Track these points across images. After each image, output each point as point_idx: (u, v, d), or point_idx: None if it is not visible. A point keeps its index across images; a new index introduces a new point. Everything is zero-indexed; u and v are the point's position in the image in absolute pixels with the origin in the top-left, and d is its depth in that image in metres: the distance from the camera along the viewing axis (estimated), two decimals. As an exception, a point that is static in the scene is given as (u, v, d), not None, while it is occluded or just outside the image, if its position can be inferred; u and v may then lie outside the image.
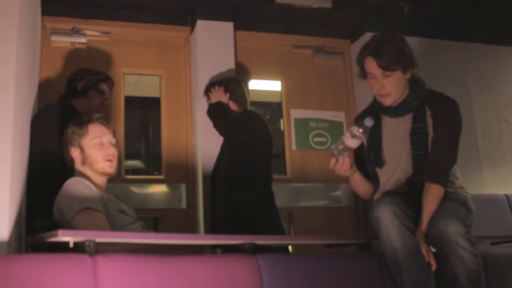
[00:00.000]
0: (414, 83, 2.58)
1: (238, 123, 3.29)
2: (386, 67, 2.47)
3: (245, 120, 3.31)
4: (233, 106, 3.37)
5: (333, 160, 2.48)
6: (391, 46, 2.50)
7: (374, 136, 2.63)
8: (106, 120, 2.60)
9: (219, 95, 3.39)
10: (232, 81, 3.48)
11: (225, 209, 3.16)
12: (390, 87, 2.51)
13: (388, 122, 2.63)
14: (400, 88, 2.53)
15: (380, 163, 2.62)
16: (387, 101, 2.55)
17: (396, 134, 2.59)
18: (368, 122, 2.35)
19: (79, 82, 3.04)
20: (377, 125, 2.61)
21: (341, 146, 2.43)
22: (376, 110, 2.65)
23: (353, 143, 2.40)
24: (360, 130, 2.36)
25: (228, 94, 3.38)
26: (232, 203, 3.13)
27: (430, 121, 2.52)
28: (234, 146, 3.24)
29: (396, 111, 2.59)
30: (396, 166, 2.58)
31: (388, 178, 2.61)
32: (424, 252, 2.30)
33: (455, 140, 2.54)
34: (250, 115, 3.38)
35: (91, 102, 3.04)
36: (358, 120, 2.44)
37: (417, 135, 2.53)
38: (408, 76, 2.54)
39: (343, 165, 2.48)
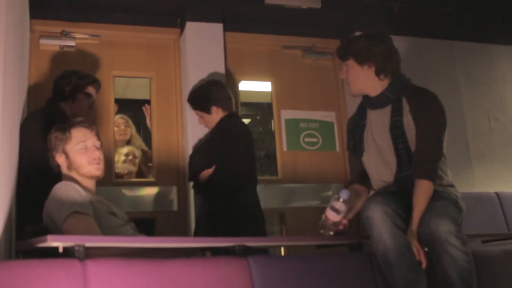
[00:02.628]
0: (394, 78, 2.61)
1: (220, 129, 3.28)
2: (337, 55, 2.73)
3: (226, 126, 3.28)
4: (217, 111, 3.33)
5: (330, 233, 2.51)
6: (349, 39, 2.71)
7: (358, 126, 2.69)
8: (89, 123, 2.57)
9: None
10: (212, 86, 3.41)
11: (207, 213, 3.15)
12: (348, 76, 2.66)
13: (371, 114, 2.68)
14: (359, 79, 2.63)
15: (359, 150, 2.67)
16: (350, 91, 2.71)
17: (378, 126, 2.62)
18: (344, 194, 2.40)
19: (66, 85, 3.02)
20: (363, 117, 2.70)
21: (327, 220, 2.46)
22: (363, 104, 2.73)
23: (335, 216, 2.43)
24: (338, 203, 2.41)
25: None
26: (215, 207, 3.13)
27: (409, 115, 2.54)
28: (217, 151, 3.22)
29: (373, 103, 2.65)
30: (380, 159, 2.60)
31: (376, 173, 2.63)
32: (415, 250, 2.30)
33: (437, 133, 2.54)
34: (232, 120, 3.33)
35: (79, 106, 3.03)
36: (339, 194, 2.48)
37: (394, 128, 2.55)
38: (370, 69, 2.59)
39: (340, 228, 2.53)
